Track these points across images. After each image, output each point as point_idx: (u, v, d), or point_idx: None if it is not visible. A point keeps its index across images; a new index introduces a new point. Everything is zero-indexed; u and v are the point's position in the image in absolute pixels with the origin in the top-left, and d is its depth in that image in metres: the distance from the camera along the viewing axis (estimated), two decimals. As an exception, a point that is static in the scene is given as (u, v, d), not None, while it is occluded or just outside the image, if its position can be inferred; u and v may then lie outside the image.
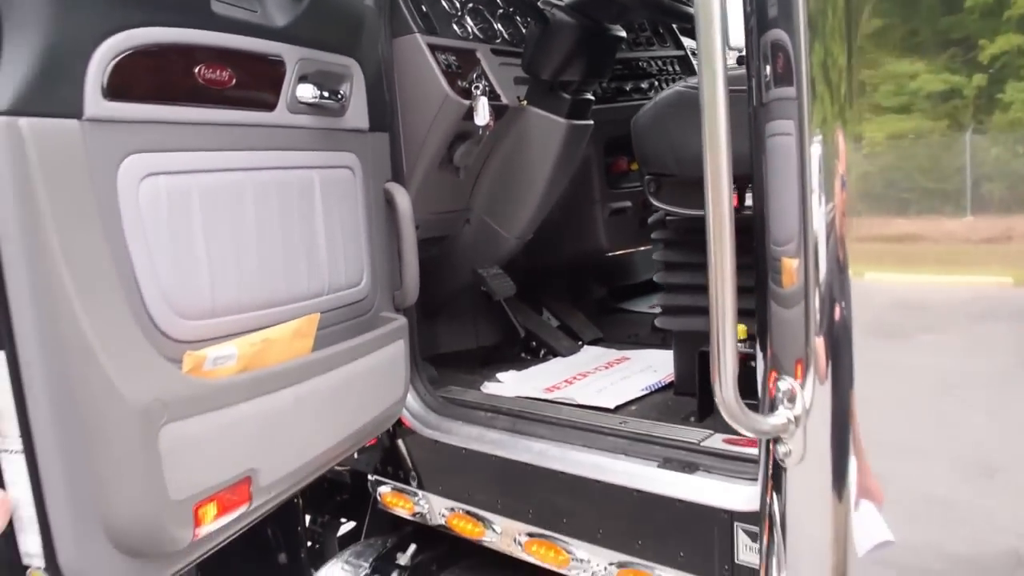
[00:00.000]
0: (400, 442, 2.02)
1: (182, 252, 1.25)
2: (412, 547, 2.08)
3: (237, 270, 1.34)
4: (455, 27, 2.06)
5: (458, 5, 2.10)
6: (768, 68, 0.99)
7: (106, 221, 1.13)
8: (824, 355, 0.96)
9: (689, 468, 1.57)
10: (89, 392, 1.08)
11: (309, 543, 2.39)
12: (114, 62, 1.14)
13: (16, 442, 1.06)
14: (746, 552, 1.47)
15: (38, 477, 1.08)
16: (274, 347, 1.35)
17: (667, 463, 1.60)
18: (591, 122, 2.21)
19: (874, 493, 0.96)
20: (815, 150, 0.92)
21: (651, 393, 2.07)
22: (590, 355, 2.43)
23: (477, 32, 2.11)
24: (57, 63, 1.07)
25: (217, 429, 1.23)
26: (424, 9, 1.97)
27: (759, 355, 1.13)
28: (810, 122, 0.92)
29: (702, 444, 1.65)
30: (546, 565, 1.79)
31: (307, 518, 2.39)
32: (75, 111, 1.09)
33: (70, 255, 1.06)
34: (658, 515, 1.57)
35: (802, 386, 0.99)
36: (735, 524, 1.47)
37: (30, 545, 1.10)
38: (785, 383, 1.02)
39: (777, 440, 1.03)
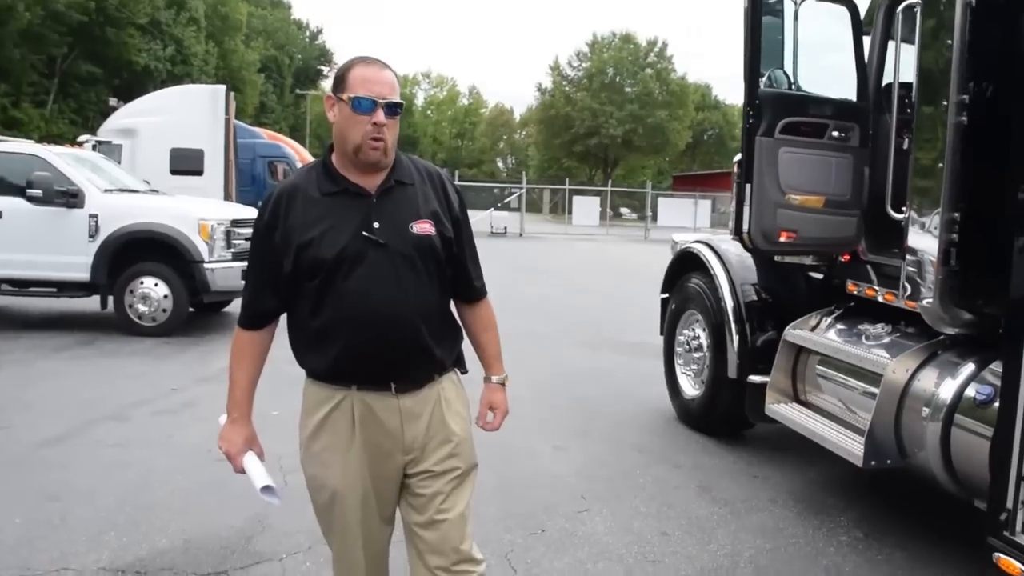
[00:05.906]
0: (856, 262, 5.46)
1: (788, 170, 5.04)
2: (851, 303, 5.50)
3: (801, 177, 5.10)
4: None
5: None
6: None
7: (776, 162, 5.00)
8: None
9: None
10: (767, 198, 4.98)
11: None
12: (782, 123, 4.98)
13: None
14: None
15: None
16: (809, 200, 5.06)
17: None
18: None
19: None
20: None
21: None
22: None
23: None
24: (773, 120, 4.98)
25: (791, 214, 5.01)
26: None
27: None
28: None
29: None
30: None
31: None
32: (771, 134, 4.98)
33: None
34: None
35: None
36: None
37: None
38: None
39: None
